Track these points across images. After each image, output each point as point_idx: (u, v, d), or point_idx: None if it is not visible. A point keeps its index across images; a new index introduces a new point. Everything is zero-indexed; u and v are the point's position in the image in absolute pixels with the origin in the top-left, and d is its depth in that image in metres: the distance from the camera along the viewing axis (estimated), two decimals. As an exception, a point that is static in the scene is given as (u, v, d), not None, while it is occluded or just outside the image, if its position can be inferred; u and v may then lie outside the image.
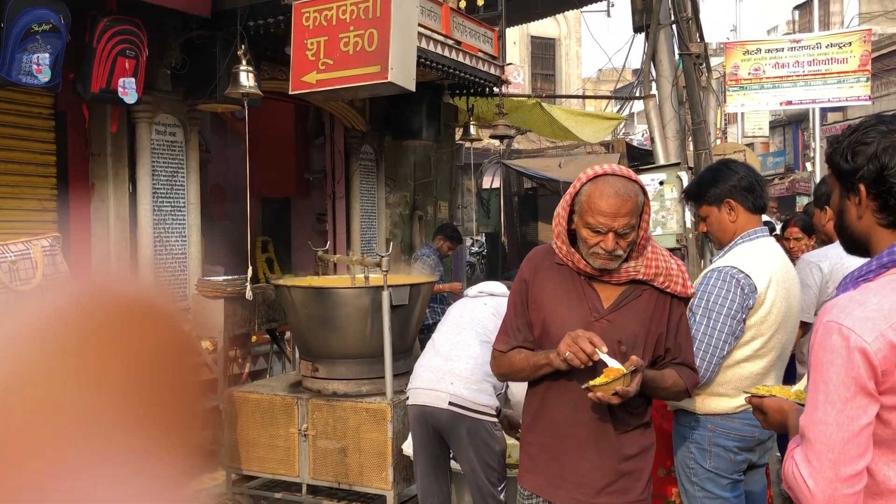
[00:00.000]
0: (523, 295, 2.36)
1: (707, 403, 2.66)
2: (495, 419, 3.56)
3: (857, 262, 3.13)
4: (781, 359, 2.70)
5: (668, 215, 7.77)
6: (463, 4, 7.52)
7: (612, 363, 2.06)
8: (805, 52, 14.52)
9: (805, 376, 1.83)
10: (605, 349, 2.06)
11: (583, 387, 2.10)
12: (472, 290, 4.08)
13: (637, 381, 2.07)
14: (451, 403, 3.45)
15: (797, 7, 31.43)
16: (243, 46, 5.12)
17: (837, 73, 14.42)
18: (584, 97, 17.73)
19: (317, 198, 8.30)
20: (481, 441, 3.44)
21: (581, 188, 2.19)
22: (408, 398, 3.70)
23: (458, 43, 6.82)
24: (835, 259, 3.09)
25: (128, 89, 4.85)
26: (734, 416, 2.64)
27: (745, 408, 2.62)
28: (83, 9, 4.72)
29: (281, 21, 5.18)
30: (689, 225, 7.38)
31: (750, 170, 2.80)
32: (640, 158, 12.53)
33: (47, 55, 4.36)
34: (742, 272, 2.58)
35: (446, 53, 6.54)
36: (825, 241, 3.35)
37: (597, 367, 2.09)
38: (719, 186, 2.73)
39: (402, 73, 4.63)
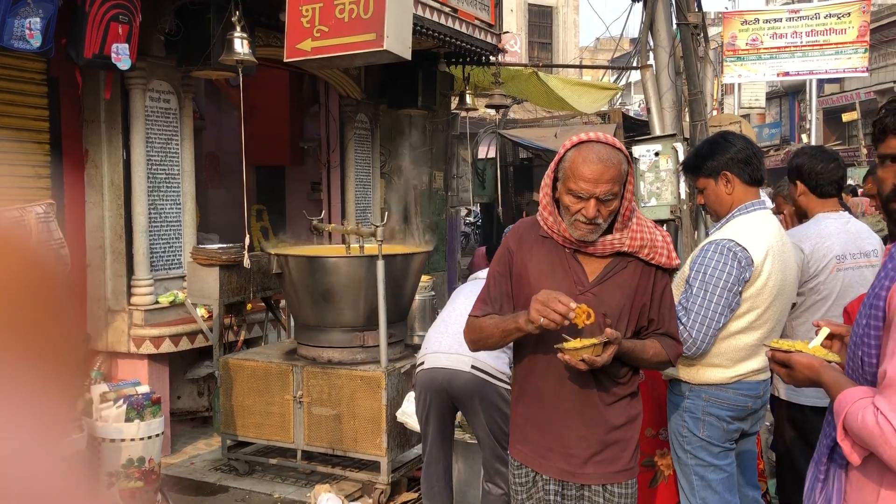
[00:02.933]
0: (506, 265, 2.37)
1: (701, 374, 2.69)
2: (509, 386, 3.61)
3: (838, 240, 3.16)
4: (775, 331, 2.72)
5: (662, 186, 7.78)
6: (460, -29, 7.44)
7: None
8: (803, 23, 14.44)
9: (818, 334, 1.86)
10: (573, 305, 2.04)
11: (555, 346, 2.13)
12: (484, 273, 4.12)
13: (609, 353, 2.10)
14: (473, 367, 3.47)
15: (797, -24, 31.12)
16: (237, 13, 5.06)
17: (835, 43, 14.36)
18: (580, 67, 17.61)
19: (311, 166, 8.28)
20: (497, 407, 3.47)
21: (565, 155, 2.20)
22: (422, 363, 3.69)
23: (455, 10, 6.76)
24: (815, 239, 3.08)
25: (121, 55, 4.80)
26: (728, 387, 2.67)
27: (739, 378, 2.67)
28: (75, -28, 4.66)
29: (275, -14, 5.12)
30: (683, 196, 7.40)
31: (747, 142, 2.79)
32: (636, 129, 12.48)
33: (39, 20, 4.31)
34: (739, 245, 2.59)
35: (442, 21, 6.49)
36: (800, 215, 3.33)
37: (581, 333, 2.13)
38: (716, 158, 2.73)
39: (398, 42, 4.60)
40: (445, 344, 3.59)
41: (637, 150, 8.45)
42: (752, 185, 2.73)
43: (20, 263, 0.49)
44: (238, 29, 5.06)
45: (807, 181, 3.20)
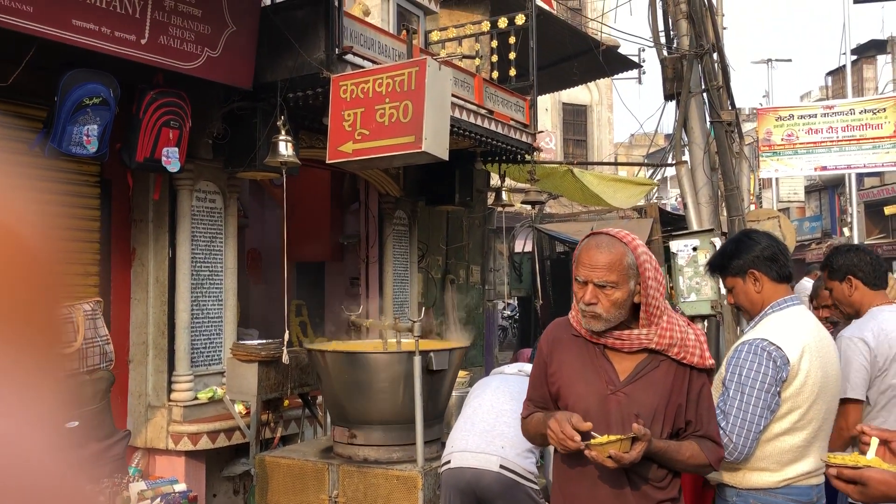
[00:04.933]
0: (542, 368, 2.42)
1: (748, 478, 2.60)
2: (537, 486, 3.53)
3: (894, 326, 3.04)
4: (824, 429, 2.64)
5: (702, 281, 7.72)
6: (495, 75, 7.71)
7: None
8: (839, 118, 14.53)
9: (872, 446, 1.80)
10: (587, 426, 2.11)
11: (583, 443, 2.11)
12: (511, 368, 4.11)
13: (638, 450, 2.07)
14: (502, 466, 3.42)
15: (830, 73, 31.53)
16: (283, 117, 5.29)
17: (872, 138, 14.38)
18: (615, 164, 17.84)
19: (351, 262, 8.41)
20: None
21: (578, 248, 2.29)
22: (448, 462, 3.65)
23: (491, 112, 6.97)
24: (876, 330, 3.02)
25: (171, 158, 5.02)
26: (776, 492, 2.58)
27: (788, 482, 2.57)
28: (131, 82, 4.94)
29: (319, 93, 5.36)
30: (723, 292, 7.32)
31: (772, 239, 2.78)
32: (672, 223, 12.50)
33: (96, 126, 4.55)
34: (773, 344, 2.55)
35: (479, 122, 6.68)
36: (850, 314, 3.24)
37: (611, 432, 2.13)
38: (742, 258, 2.73)
39: (436, 143, 4.75)
40: (472, 443, 3.55)
41: (675, 245, 8.44)
42: (780, 282, 2.70)
43: (9, 249, 0.48)
44: (283, 132, 5.27)
45: (860, 275, 3.16)
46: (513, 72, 7.70)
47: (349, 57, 5.35)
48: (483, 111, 6.83)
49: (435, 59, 5.00)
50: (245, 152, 5.55)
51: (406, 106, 4.68)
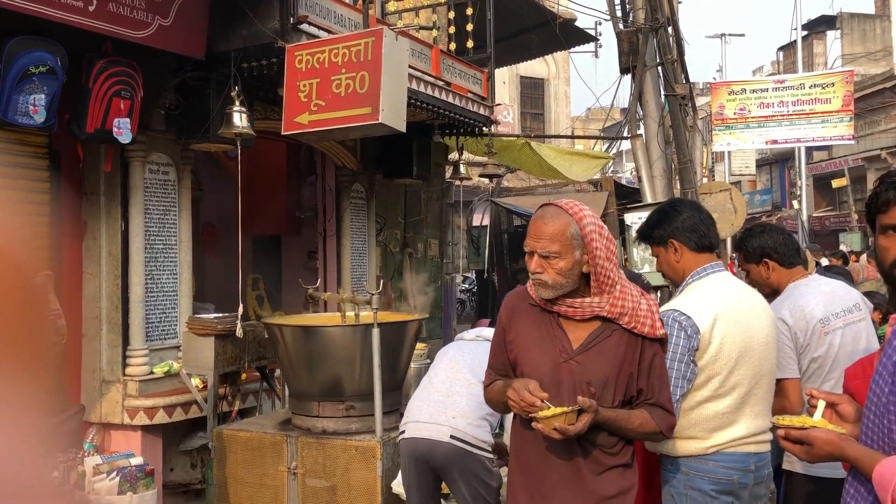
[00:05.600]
0: (501, 337, 2.46)
1: (679, 446, 2.64)
2: (491, 455, 3.59)
3: (816, 304, 3.11)
4: (755, 394, 2.66)
5: (655, 253, 7.86)
6: (453, 47, 7.68)
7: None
8: (789, 93, 14.81)
9: (819, 408, 1.87)
10: (543, 395, 2.15)
11: (528, 416, 2.16)
12: (469, 334, 4.15)
13: (584, 421, 2.11)
14: (452, 437, 3.47)
15: (781, 48, 32.05)
16: (237, 88, 5.21)
17: (821, 112, 14.70)
18: (571, 137, 17.95)
19: (308, 235, 8.36)
20: (478, 476, 3.46)
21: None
22: (402, 433, 3.70)
23: (448, 84, 6.95)
24: (792, 306, 3.07)
25: (122, 129, 4.91)
26: (707, 458, 2.61)
27: (717, 448, 2.60)
28: (79, 50, 4.81)
29: (274, 63, 5.28)
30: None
31: (695, 210, 2.83)
32: (628, 196, 12.66)
33: (43, 96, 4.43)
34: (684, 314, 2.59)
35: (436, 94, 6.66)
36: (769, 294, 3.25)
37: (564, 402, 2.18)
38: (663, 228, 2.78)
39: (393, 115, 4.73)
40: (426, 413, 3.60)
41: (629, 218, 8.57)
42: (701, 252, 2.75)
43: None
44: (237, 103, 5.19)
45: (774, 257, 3.25)
46: (470, 44, 7.67)
47: (304, 26, 5.28)
48: (441, 83, 6.81)
49: (392, 30, 4.97)
50: (198, 123, 5.46)
51: (363, 77, 4.64)
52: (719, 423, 2.61)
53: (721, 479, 2.61)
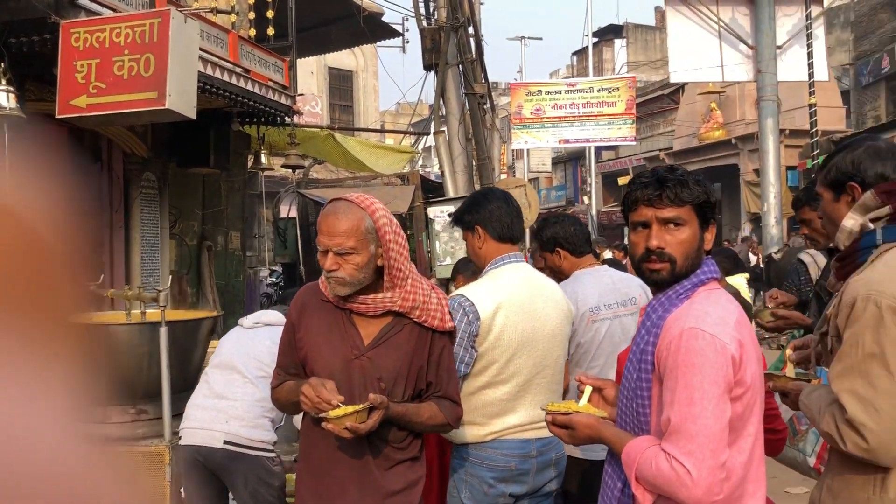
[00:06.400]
0: (291, 335, 2.37)
1: (460, 433, 2.66)
2: (273, 454, 3.51)
3: (592, 292, 3.30)
4: (535, 383, 2.74)
5: (457, 245, 8.11)
6: (253, 33, 7.44)
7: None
8: (580, 95, 15.83)
9: (584, 392, 1.98)
10: (334, 401, 2.10)
11: (317, 416, 2.13)
12: (248, 321, 4.00)
13: (375, 419, 2.10)
14: (226, 442, 3.36)
15: (576, 53, 34.23)
16: (3, 64, 4.71)
17: (608, 115, 15.85)
18: (375, 130, 18.09)
19: (93, 227, 7.75)
20: (259, 478, 3.38)
21: (320, 215, 2.27)
22: (180, 438, 3.54)
23: (247, 71, 6.72)
24: (570, 292, 3.19)
25: None
26: (485, 445, 2.65)
27: (496, 435, 2.66)
28: None
29: (48, 40, 4.83)
30: (475, 255, 7.74)
31: (504, 201, 2.91)
32: (435, 191, 12.96)
33: None
34: (469, 300, 2.66)
35: (234, 81, 6.42)
36: (562, 279, 3.42)
37: (354, 401, 2.15)
38: (472, 214, 2.86)
39: (182, 100, 4.48)
40: (200, 418, 3.49)
41: (432, 212, 8.77)
42: (502, 242, 2.83)
43: (12, 232, 0.47)
44: (3, 81, 4.70)
45: (567, 246, 3.45)
46: (271, 31, 7.47)
47: (83, 2, 4.87)
48: (239, 70, 6.57)
49: (181, 11, 4.71)
50: (-43, 102, 4.88)
51: (147, 59, 4.36)
52: (497, 409, 2.67)
53: (499, 467, 2.66)
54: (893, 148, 2.17)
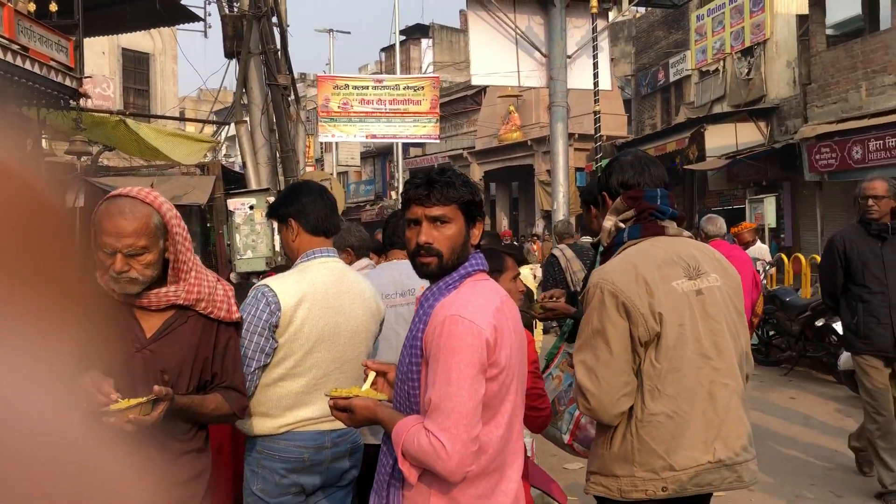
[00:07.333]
0: None
1: (253, 424, 2.67)
2: None
3: (385, 282, 3.49)
4: (334, 378, 2.75)
5: (258, 239, 7.97)
6: (33, 8, 6.88)
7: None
8: (386, 92, 16.06)
9: (368, 378, 2.08)
10: (116, 395, 2.04)
11: (101, 410, 2.06)
12: None
13: (160, 411, 2.08)
14: None
15: (384, 49, 34.59)
16: None
17: (414, 112, 16.21)
18: (173, 118, 17.26)
19: None
20: None
21: (97, 208, 2.17)
22: None
23: (26, 49, 6.21)
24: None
25: None
26: (278, 438, 2.66)
27: (289, 428, 2.67)
28: None
29: None
30: (277, 248, 7.67)
31: (319, 195, 2.91)
32: (236, 182, 12.59)
33: None
34: (272, 290, 2.67)
35: (10, 59, 5.91)
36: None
37: (137, 393, 2.12)
38: (286, 207, 2.87)
39: (-54, 78, 4.08)
40: None
41: (232, 203, 8.55)
42: (316, 235, 2.86)
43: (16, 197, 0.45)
44: None
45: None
46: (54, 6, 6.95)
47: None
48: (16, 47, 6.06)
49: (-55, -21, 4.27)
50: None
51: None
52: (292, 402, 2.68)
53: (291, 458, 2.67)
54: (637, 159, 2.53)
